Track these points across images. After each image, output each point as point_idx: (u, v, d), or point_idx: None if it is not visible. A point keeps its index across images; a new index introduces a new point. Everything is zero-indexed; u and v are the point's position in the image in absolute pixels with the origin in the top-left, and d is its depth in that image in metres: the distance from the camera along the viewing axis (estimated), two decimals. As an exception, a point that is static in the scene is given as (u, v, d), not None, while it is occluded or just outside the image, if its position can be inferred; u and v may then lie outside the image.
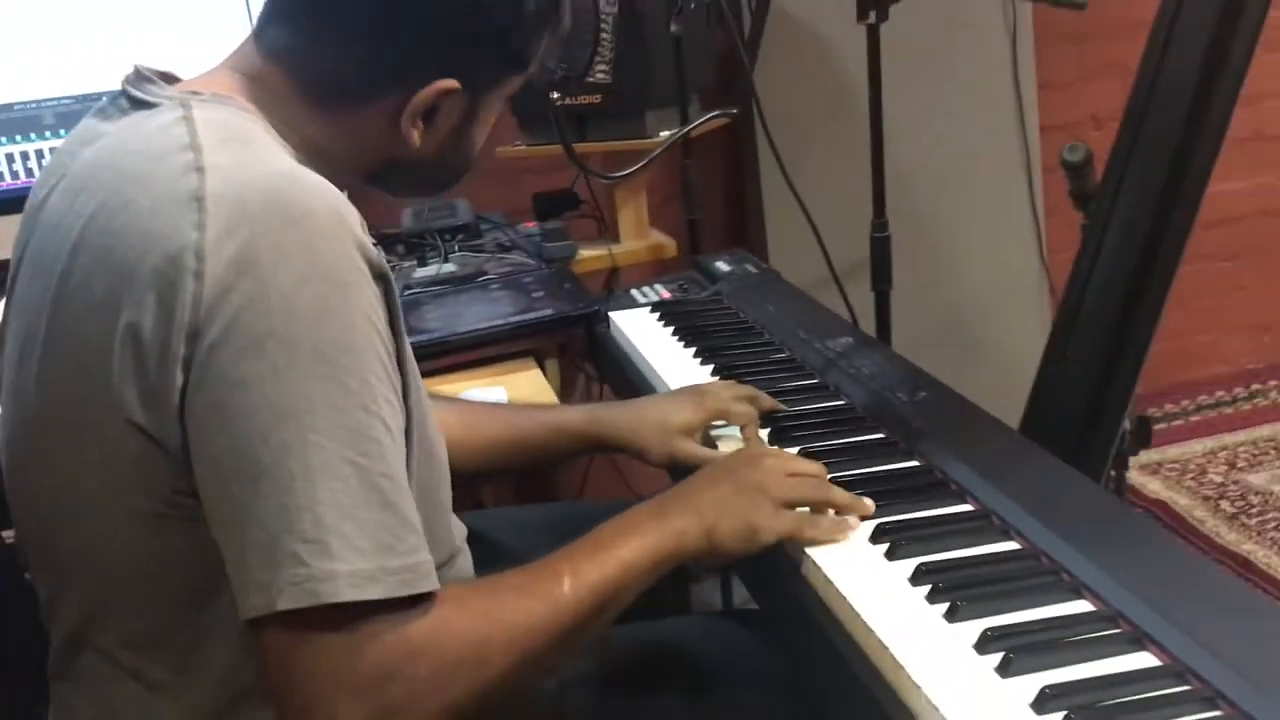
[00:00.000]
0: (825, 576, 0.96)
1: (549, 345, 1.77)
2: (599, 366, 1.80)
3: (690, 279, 1.84)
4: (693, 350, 1.51)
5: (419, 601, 0.81)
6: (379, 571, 0.79)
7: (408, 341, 0.91)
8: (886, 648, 0.86)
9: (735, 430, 1.22)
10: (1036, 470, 1.12)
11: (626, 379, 1.58)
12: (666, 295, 1.78)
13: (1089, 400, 1.26)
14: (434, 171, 1.03)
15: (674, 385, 1.40)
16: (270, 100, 0.95)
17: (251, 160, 0.88)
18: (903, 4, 1.67)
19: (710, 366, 1.45)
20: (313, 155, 0.94)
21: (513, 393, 1.60)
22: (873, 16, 1.60)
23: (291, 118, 0.96)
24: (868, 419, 1.25)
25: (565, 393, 1.75)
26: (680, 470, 1.18)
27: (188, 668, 0.90)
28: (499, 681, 0.85)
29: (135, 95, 0.95)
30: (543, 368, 1.73)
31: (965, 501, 1.07)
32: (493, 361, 1.70)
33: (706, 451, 1.20)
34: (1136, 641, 0.84)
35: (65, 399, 0.88)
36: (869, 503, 1.04)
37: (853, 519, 1.02)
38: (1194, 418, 2.99)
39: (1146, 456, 2.76)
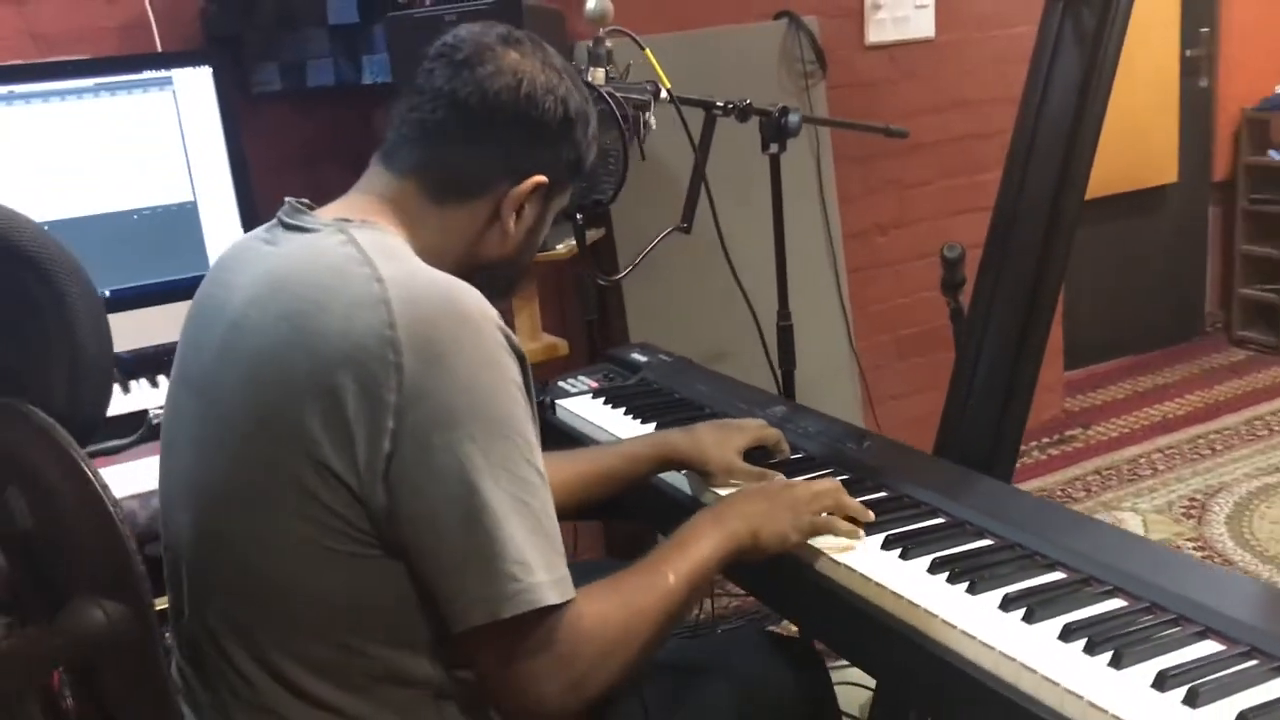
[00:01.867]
0: (863, 576, 1.25)
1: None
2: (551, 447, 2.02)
3: (606, 370, 2.11)
4: (654, 424, 1.77)
5: (573, 603, 1.05)
6: (553, 582, 1.03)
7: (535, 399, 1.15)
8: (935, 615, 1.15)
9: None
10: (978, 487, 1.46)
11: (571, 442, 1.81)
12: (594, 384, 2.03)
13: (989, 437, 1.62)
14: (509, 270, 1.26)
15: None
16: (398, 214, 1.18)
17: (414, 271, 1.09)
18: (736, 131, 2.02)
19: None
20: (430, 256, 1.16)
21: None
22: (775, 148, 1.96)
23: (415, 224, 1.18)
24: (831, 465, 1.55)
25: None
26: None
27: (357, 689, 1.08)
28: (641, 653, 1.12)
29: (291, 222, 1.15)
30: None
31: (938, 516, 1.38)
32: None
33: (754, 469, 1.50)
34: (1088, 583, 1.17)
35: (264, 462, 1.05)
36: (869, 513, 1.35)
37: (860, 530, 1.31)
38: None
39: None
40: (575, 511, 1.50)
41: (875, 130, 2.22)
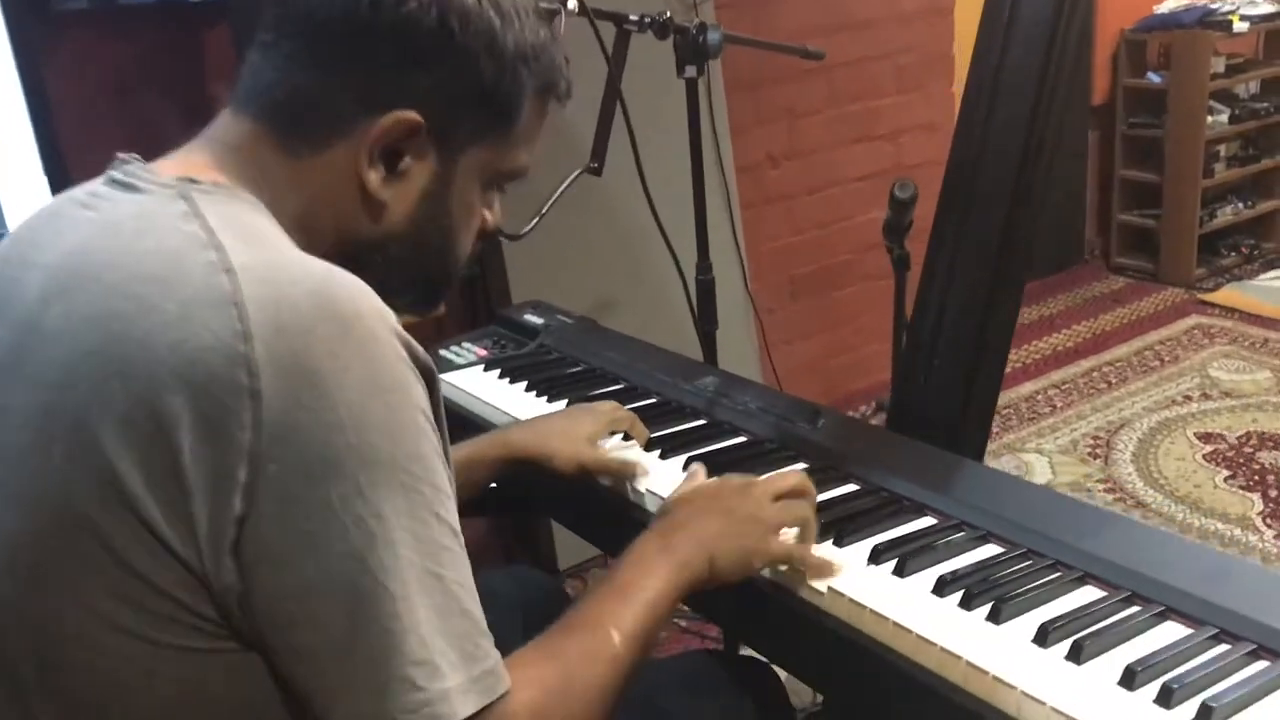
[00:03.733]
0: (853, 602, 1.01)
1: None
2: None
3: (497, 335, 1.82)
4: (563, 404, 1.50)
5: (500, 701, 0.79)
6: (470, 683, 0.77)
7: (446, 426, 0.86)
8: (960, 657, 0.92)
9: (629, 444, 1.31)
10: (959, 473, 1.24)
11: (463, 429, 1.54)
12: (483, 352, 1.75)
13: (955, 410, 1.40)
14: (413, 254, 0.93)
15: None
16: (254, 171, 0.87)
17: (281, 260, 0.80)
18: (633, 61, 1.74)
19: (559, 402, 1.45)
20: (300, 233, 0.86)
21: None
22: (691, 70, 1.68)
23: (275, 187, 0.87)
24: (783, 451, 1.31)
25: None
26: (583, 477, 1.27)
27: None
28: None
29: (119, 178, 0.83)
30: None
31: (926, 515, 1.15)
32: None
33: (613, 458, 1.27)
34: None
35: (61, 522, 0.75)
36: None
37: (836, 561, 1.07)
38: (875, 419, 3.31)
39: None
40: None
41: (793, 52, 1.97)
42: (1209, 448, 2.99)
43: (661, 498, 1.19)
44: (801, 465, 1.28)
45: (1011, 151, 1.36)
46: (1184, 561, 1.03)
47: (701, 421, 1.42)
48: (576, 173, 1.63)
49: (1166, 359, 3.60)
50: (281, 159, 0.87)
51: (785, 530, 1.07)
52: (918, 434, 1.40)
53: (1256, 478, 2.82)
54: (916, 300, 1.47)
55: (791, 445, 1.32)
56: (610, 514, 1.27)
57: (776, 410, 1.39)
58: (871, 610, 1.00)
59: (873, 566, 1.07)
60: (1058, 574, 1.04)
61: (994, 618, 0.97)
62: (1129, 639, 0.94)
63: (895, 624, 0.98)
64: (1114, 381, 3.46)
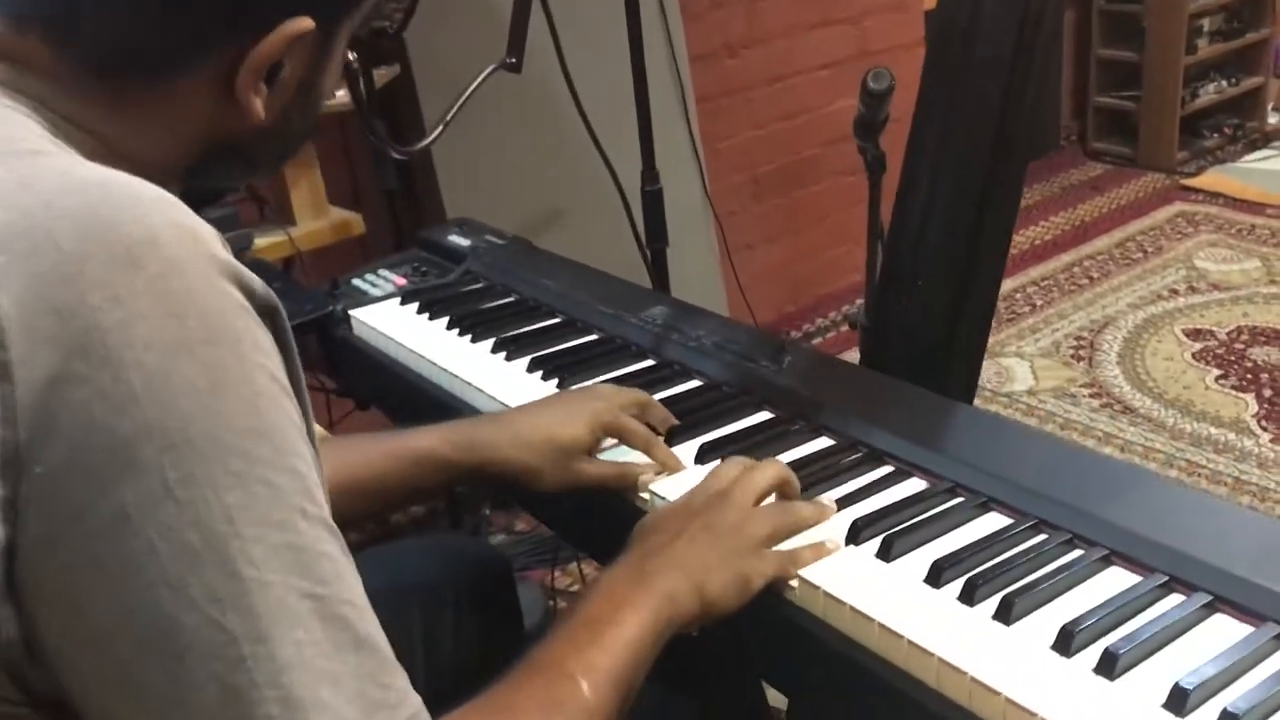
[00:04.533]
0: (830, 596, 0.82)
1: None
2: (345, 379, 1.53)
3: (420, 260, 1.60)
4: (489, 344, 1.29)
5: None
6: None
7: (305, 386, 0.65)
8: (964, 672, 0.74)
9: (622, 451, 1.03)
10: (951, 425, 1.05)
11: (398, 390, 1.33)
12: (401, 281, 1.53)
13: (941, 342, 1.20)
14: (271, 145, 0.74)
15: (487, 389, 1.19)
16: (39, 86, 0.64)
17: (44, 174, 0.58)
18: None
19: (522, 361, 1.24)
20: (114, 160, 0.64)
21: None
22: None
23: (72, 109, 0.65)
24: (743, 397, 1.12)
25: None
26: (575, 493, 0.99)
27: None
28: None
29: None
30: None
31: (915, 475, 0.96)
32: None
33: (615, 468, 1.00)
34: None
35: None
36: (830, 505, 0.92)
37: (829, 540, 0.88)
38: (843, 327, 3.13)
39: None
40: None
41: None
42: (1198, 345, 2.83)
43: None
44: (765, 415, 1.09)
45: (1008, 15, 1.14)
46: (1239, 536, 0.85)
47: (649, 363, 1.22)
48: (488, 70, 1.40)
49: (1150, 250, 3.41)
50: (85, 87, 0.65)
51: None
52: (896, 368, 1.21)
53: (1249, 377, 2.66)
54: (895, 208, 1.26)
55: (753, 390, 1.12)
56: (606, 522, 1.02)
57: (735, 346, 1.19)
58: (853, 608, 0.81)
59: (853, 548, 0.88)
60: (1079, 552, 0.85)
61: (1003, 616, 0.79)
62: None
63: (882, 626, 0.79)
64: (1096, 276, 3.28)
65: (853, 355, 2.92)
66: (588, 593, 0.79)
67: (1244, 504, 2.21)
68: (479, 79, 1.39)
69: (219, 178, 0.76)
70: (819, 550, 0.86)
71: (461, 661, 1.12)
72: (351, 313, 1.43)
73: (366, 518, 1.01)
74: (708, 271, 2.74)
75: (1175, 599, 0.80)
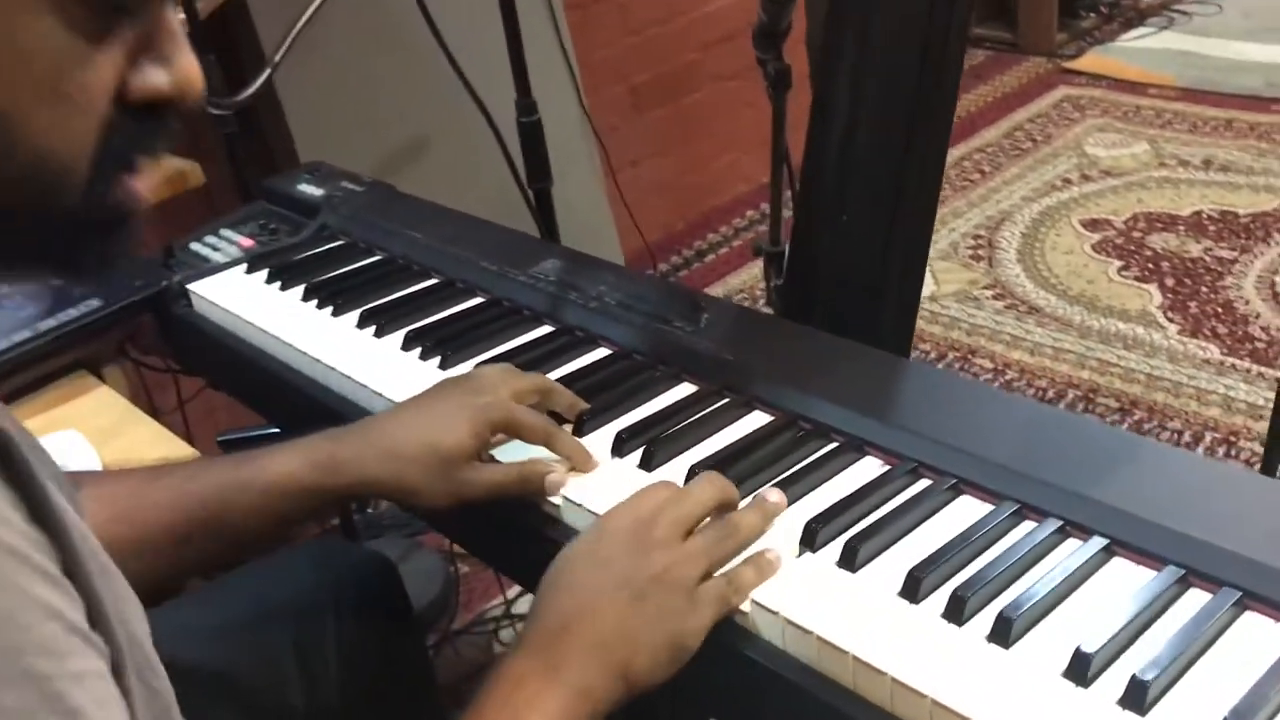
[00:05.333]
0: (792, 624, 0.68)
1: (104, 348, 1.26)
2: (187, 359, 1.32)
3: (267, 215, 1.39)
4: (354, 317, 1.10)
5: None
6: None
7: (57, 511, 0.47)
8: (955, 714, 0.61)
9: (519, 446, 0.86)
10: (903, 389, 0.91)
11: (251, 378, 1.14)
12: (247, 243, 1.32)
13: (874, 273, 1.06)
14: None
15: (355, 374, 1.01)
16: None
17: None
18: None
19: (395, 337, 1.06)
20: None
21: (84, 427, 1.12)
22: None
23: None
24: (660, 368, 0.96)
25: (148, 404, 1.26)
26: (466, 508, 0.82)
27: None
28: None
29: None
30: (103, 379, 1.24)
31: (870, 453, 0.82)
32: (29, 392, 1.18)
33: (512, 472, 0.83)
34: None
35: None
36: (778, 498, 0.77)
37: (769, 551, 0.73)
38: (735, 242, 2.99)
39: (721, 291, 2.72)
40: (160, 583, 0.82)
41: None
42: (1097, 236, 2.76)
43: (587, 510, 0.80)
44: (687, 388, 0.93)
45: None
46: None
47: (545, 329, 1.05)
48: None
49: (1039, 139, 3.33)
50: None
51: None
52: (823, 316, 1.06)
53: (1150, 266, 2.60)
54: (810, 130, 1.11)
55: (670, 358, 0.96)
56: (515, 537, 0.87)
57: (644, 304, 1.02)
58: (819, 637, 0.67)
59: (809, 556, 0.74)
60: (1072, 541, 0.72)
61: (1000, 637, 0.66)
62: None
63: (856, 659, 0.65)
64: (987, 170, 3.18)
65: (751, 272, 2.81)
66: (491, 690, 0.64)
67: (1159, 401, 2.16)
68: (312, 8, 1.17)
69: None
70: (762, 567, 0.72)
71: (351, 672, 0.98)
72: (190, 287, 1.22)
73: (215, 563, 0.82)
74: (592, 196, 2.56)
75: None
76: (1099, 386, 2.23)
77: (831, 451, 0.83)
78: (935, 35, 0.99)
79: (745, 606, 0.70)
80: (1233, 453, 1.99)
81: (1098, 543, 0.71)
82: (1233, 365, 2.22)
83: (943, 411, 0.85)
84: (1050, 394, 2.24)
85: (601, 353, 1.00)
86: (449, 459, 0.80)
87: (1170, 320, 2.39)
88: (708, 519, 0.74)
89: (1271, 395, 2.11)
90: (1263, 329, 2.31)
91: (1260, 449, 1.98)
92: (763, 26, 1.17)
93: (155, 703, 0.52)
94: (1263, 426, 2.03)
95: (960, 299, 2.59)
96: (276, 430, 1.22)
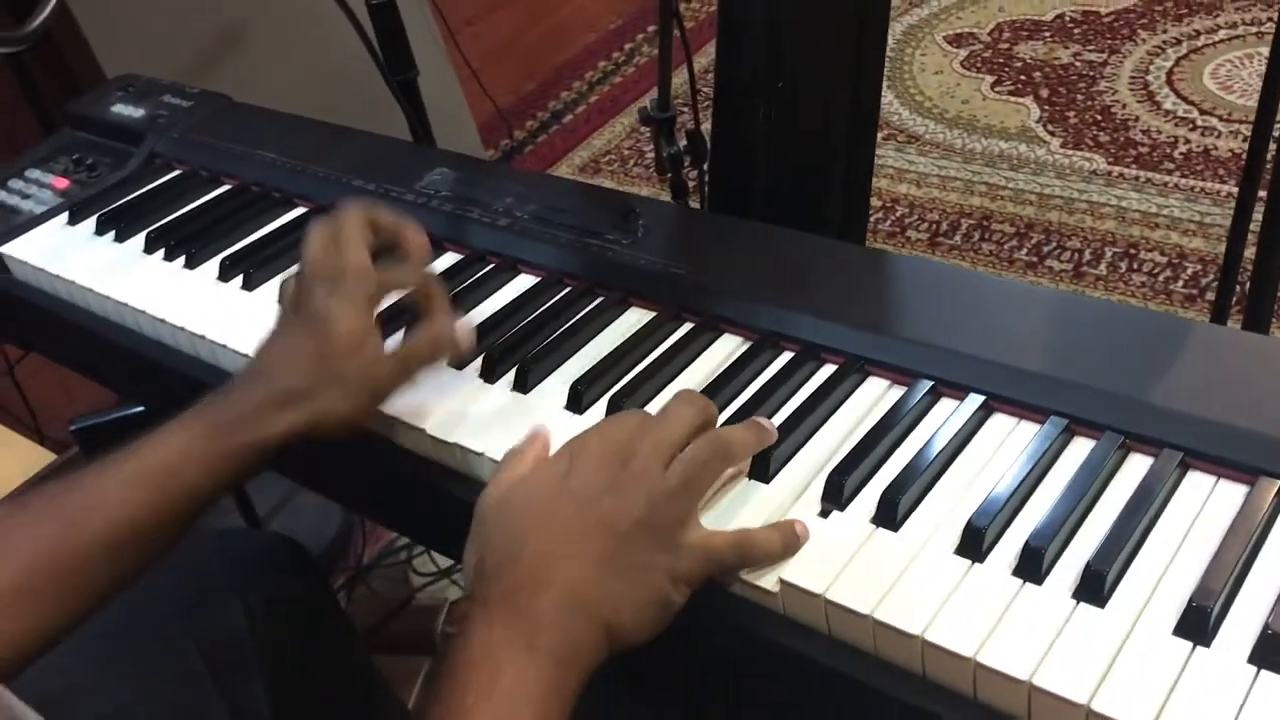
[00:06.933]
0: (828, 601, 0.57)
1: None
2: (12, 333, 1.11)
3: (81, 145, 1.17)
4: (213, 267, 0.92)
5: None
6: None
7: None
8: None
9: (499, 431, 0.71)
10: (896, 281, 0.79)
11: (86, 348, 0.95)
12: (61, 184, 1.11)
13: (821, 151, 0.92)
14: None
15: (220, 338, 0.84)
16: None
17: None
18: None
19: (269, 288, 0.89)
20: None
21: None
22: None
23: None
24: (601, 292, 0.81)
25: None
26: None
27: None
28: None
29: None
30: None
31: (875, 373, 0.70)
32: None
33: (408, 347, 0.71)
34: None
35: None
36: (766, 424, 0.65)
37: (799, 522, 0.61)
38: (592, 98, 2.80)
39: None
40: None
41: None
42: (964, 51, 2.66)
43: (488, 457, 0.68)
44: (639, 314, 0.79)
45: None
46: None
47: (453, 257, 0.89)
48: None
49: (888, -47, 3.19)
50: None
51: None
52: (761, 205, 0.93)
53: (1023, 78, 2.52)
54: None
55: (610, 281, 0.81)
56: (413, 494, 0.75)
57: (565, 215, 0.87)
58: (847, 609, 0.56)
59: (837, 516, 0.62)
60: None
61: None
62: None
63: (922, 640, 0.55)
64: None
65: (614, 130, 2.63)
66: (456, 669, 0.53)
67: (1054, 221, 2.10)
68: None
69: None
70: (789, 537, 0.59)
71: (280, 662, 0.86)
72: (3, 250, 1.01)
73: (121, 587, 0.67)
74: (436, 65, 2.32)
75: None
76: (992, 212, 2.17)
77: (831, 374, 0.70)
78: None
79: (769, 581, 0.58)
80: (1135, 265, 1.96)
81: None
82: (1120, 174, 2.18)
83: (951, 311, 0.73)
84: (945, 226, 2.17)
85: (526, 281, 0.85)
86: (344, 351, 0.68)
87: (1051, 134, 2.33)
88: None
89: (1162, 201, 2.08)
90: (1144, 133, 2.27)
91: (1161, 259, 1.95)
92: None
93: None
94: (1160, 235, 2.00)
95: (836, 134, 2.47)
96: (140, 410, 1.04)
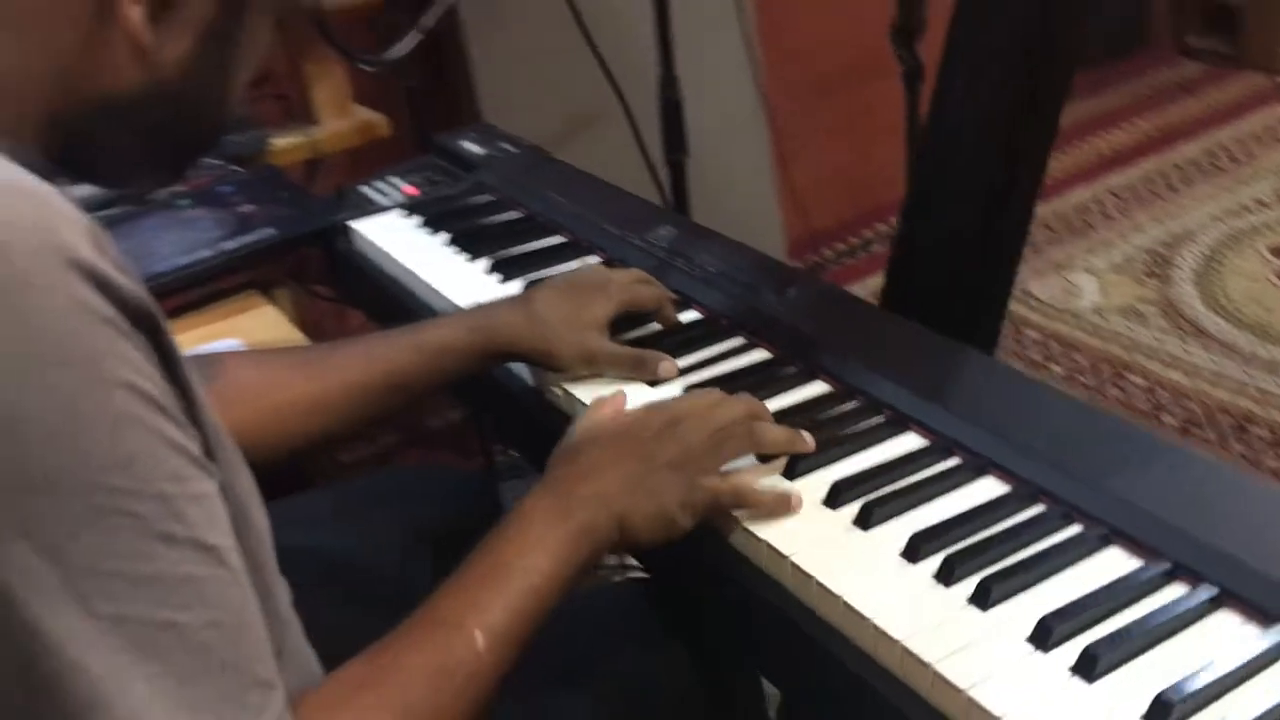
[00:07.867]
0: (798, 568, 0.76)
1: (275, 273, 1.42)
2: (345, 290, 1.47)
3: (433, 167, 1.53)
4: (484, 264, 1.22)
5: None
6: None
7: (198, 382, 0.58)
8: (927, 665, 0.67)
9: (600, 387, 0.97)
10: (964, 376, 0.96)
11: (390, 305, 1.27)
12: (411, 191, 1.46)
13: (970, 266, 1.11)
14: (177, 114, 0.64)
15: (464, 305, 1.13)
16: None
17: None
18: None
19: (515, 284, 1.18)
20: None
21: (249, 339, 1.27)
22: None
23: None
24: (741, 333, 1.04)
25: (309, 328, 1.41)
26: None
27: None
28: None
29: None
30: (272, 299, 1.39)
31: (911, 431, 0.88)
32: (205, 304, 1.34)
33: (626, 351, 0.99)
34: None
35: None
36: (808, 438, 0.85)
37: (795, 494, 0.81)
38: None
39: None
40: (339, 432, 0.98)
41: None
42: (1283, 264, 2.65)
43: None
44: (762, 355, 1.01)
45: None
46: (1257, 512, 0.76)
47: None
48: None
49: (1241, 158, 3.20)
50: None
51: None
52: (921, 303, 1.12)
53: (1335, 303, 2.49)
54: (928, 121, 1.16)
55: (750, 323, 1.04)
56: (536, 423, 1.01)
57: (739, 274, 1.10)
58: (819, 583, 0.74)
59: (829, 511, 0.81)
60: (1077, 529, 0.77)
61: (980, 600, 0.71)
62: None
63: (847, 605, 0.73)
64: (1178, 186, 3.09)
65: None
66: (504, 525, 0.74)
67: (1315, 438, 2.08)
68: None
69: (98, 149, 0.63)
70: (780, 501, 0.80)
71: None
72: (351, 224, 1.37)
73: (396, 414, 1.01)
74: (758, 178, 2.62)
75: (1178, 590, 0.72)
76: (1254, 416, 2.17)
77: (877, 424, 0.89)
78: (1042, 42, 1.03)
79: (764, 535, 0.78)
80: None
81: (1099, 532, 0.76)
82: (1405, 409, 2.12)
83: (994, 400, 0.90)
84: (1201, 417, 2.19)
85: (692, 315, 1.09)
86: (586, 325, 0.97)
87: (1345, 358, 2.29)
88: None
89: None
90: None
91: None
92: (897, 23, 1.22)
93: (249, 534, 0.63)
94: None
95: (1125, 313, 2.54)
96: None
